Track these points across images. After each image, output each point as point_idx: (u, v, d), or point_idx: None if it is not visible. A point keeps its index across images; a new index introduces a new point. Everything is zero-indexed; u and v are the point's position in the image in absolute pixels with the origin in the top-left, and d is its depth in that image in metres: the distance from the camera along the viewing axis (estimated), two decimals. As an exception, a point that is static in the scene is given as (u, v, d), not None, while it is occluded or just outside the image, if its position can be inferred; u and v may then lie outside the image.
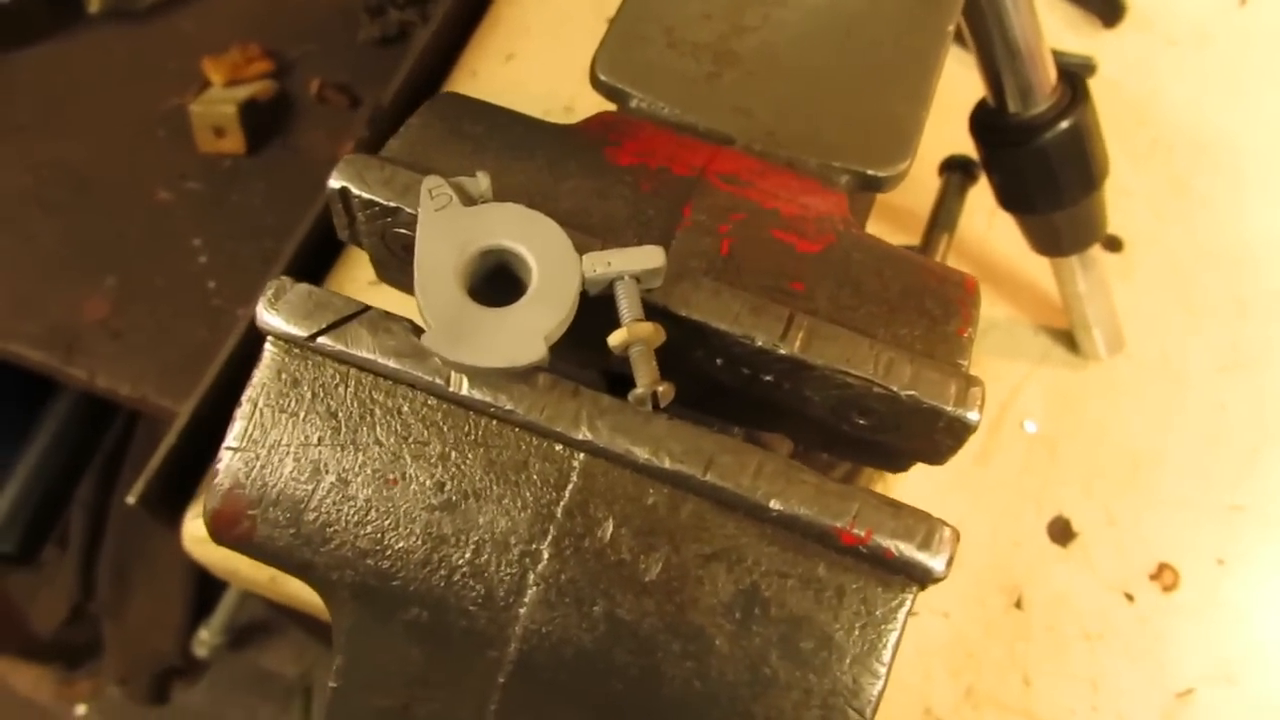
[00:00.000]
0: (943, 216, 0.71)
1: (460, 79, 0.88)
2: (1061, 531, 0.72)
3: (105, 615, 1.57)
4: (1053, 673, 0.68)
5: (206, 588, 1.54)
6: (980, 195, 0.75)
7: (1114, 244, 0.83)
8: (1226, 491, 0.74)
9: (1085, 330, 0.76)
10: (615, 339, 0.32)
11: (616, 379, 0.41)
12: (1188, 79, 0.91)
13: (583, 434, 0.32)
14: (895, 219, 0.79)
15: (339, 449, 0.32)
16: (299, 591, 0.68)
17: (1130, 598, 0.70)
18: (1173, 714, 0.67)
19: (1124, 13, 0.92)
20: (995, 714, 0.67)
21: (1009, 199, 0.68)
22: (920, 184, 0.68)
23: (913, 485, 0.63)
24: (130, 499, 0.64)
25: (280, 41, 0.96)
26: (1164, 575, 0.71)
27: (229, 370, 0.70)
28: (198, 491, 0.69)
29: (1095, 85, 0.65)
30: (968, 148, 0.68)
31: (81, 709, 1.67)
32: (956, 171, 0.73)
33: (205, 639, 1.48)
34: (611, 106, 0.49)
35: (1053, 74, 0.62)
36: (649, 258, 0.32)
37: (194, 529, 0.68)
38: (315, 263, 0.78)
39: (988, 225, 0.81)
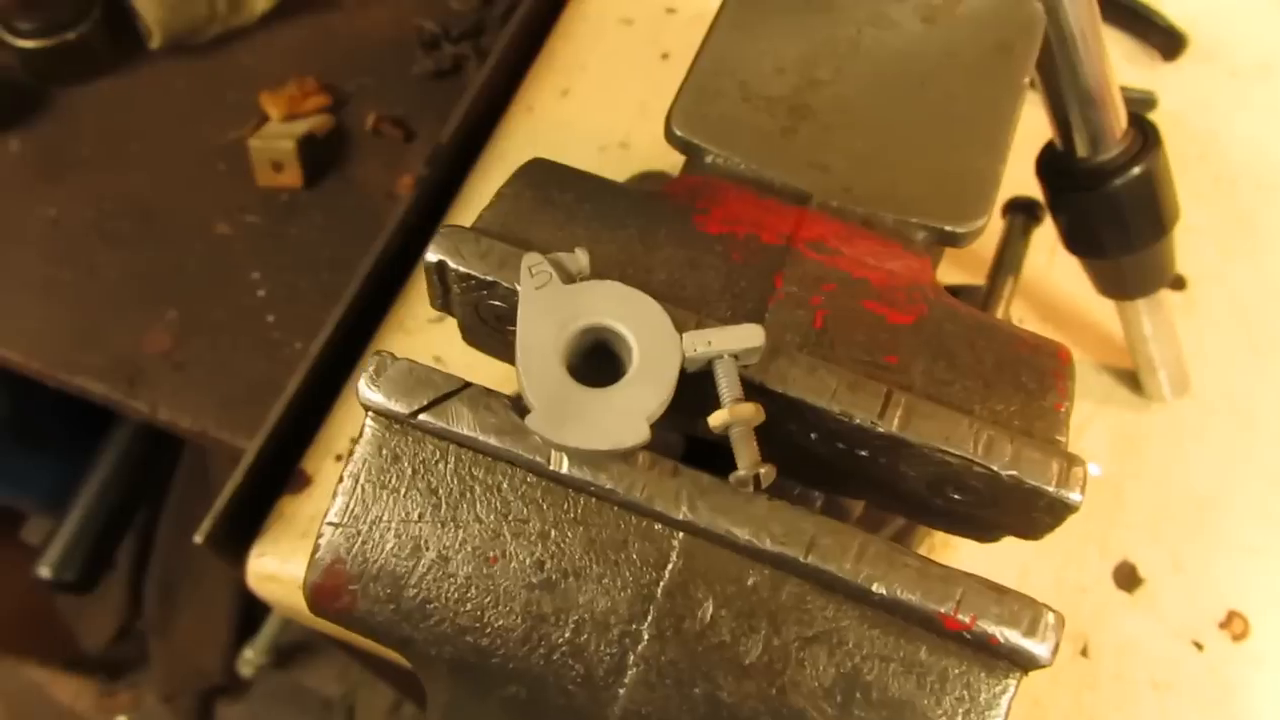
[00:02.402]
0: (1008, 259, 0.71)
1: (517, 115, 0.88)
2: (1128, 577, 0.71)
3: (152, 634, 1.59)
4: (1120, 723, 0.67)
5: (252, 607, 1.55)
6: (1041, 231, 0.75)
7: (1178, 282, 0.81)
8: (1296, 537, 0.73)
9: (1150, 372, 0.75)
10: (716, 420, 0.32)
11: (696, 441, 0.41)
12: (1250, 112, 0.90)
13: (683, 514, 0.32)
14: (958, 259, 0.78)
15: (439, 525, 0.32)
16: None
17: (1199, 646, 0.69)
18: (1244, 767, 0.66)
19: (1185, 46, 0.91)
20: (1063, 765, 0.66)
21: (1075, 242, 0.67)
22: (984, 225, 0.67)
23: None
24: (197, 538, 0.65)
25: (336, 74, 0.97)
26: (1234, 623, 0.69)
27: (292, 408, 0.71)
28: (262, 529, 0.70)
29: (1156, 119, 0.64)
30: (1032, 188, 0.67)
31: (121, 720, 1.68)
32: (1021, 213, 0.73)
33: (250, 658, 1.49)
34: (680, 158, 0.49)
35: (1123, 119, 0.61)
36: (749, 337, 0.32)
37: (258, 566, 0.69)
38: (375, 302, 0.79)
39: (1049, 263, 0.80)
